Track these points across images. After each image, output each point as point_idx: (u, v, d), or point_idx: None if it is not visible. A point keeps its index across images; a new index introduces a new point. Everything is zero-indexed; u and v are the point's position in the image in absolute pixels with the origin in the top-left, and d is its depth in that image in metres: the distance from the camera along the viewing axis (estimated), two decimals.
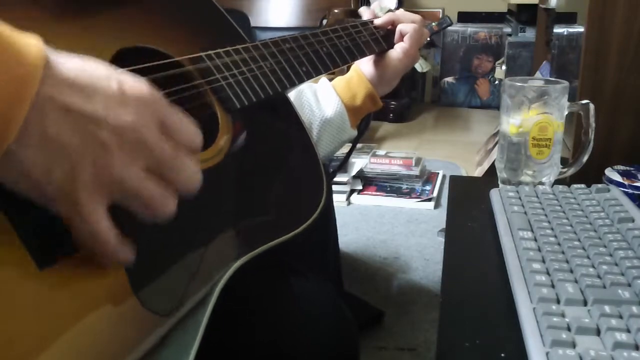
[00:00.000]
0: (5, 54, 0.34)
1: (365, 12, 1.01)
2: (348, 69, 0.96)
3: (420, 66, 1.07)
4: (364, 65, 0.95)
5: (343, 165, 1.03)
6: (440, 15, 3.53)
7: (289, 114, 0.73)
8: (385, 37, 0.95)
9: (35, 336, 0.38)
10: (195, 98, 0.59)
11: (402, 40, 0.94)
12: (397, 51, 0.94)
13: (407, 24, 0.95)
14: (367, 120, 0.99)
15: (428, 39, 1.00)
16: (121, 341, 0.43)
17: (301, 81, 0.73)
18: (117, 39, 0.55)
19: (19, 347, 0.37)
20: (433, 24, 1.04)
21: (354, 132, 0.95)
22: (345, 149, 1.03)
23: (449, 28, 3.41)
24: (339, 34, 0.85)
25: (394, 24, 0.96)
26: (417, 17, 0.97)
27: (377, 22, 0.96)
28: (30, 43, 0.36)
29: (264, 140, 0.68)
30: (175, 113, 0.44)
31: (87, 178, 0.39)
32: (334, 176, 1.44)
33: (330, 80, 0.95)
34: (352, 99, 0.93)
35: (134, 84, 0.41)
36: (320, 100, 0.93)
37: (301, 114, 0.88)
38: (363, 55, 0.89)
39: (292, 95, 0.90)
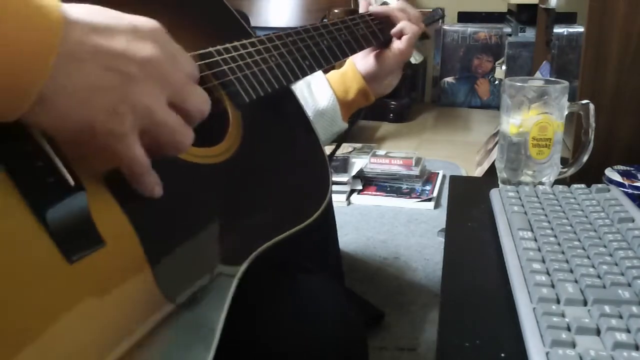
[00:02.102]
0: (27, 10, 0.36)
1: (362, 4, 1.01)
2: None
3: (414, 58, 1.07)
4: (359, 61, 0.96)
5: (330, 159, 1.05)
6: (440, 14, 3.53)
7: (296, 108, 0.74)
8: (382, 30, 0.95)
9: (62, 325, 0.39)
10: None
11: (400, 39, 0.95)
12: (393, 51, 0.95)
13: (409, 25, 0.95)
14: (358, 115, 1.01)
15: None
16: (142, 327, 0.44)
17: (304, 75, 0.75)
18: None
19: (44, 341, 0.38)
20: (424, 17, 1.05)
21: (345, 125, 0.97)
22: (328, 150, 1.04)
23: (450, 28, 3.42)
24: (338, 26, 0.86)
25: (390, 18, 0.96)
26: (416, 14, 0.97)
27: (371, 9, 0.96)
28: None
29: (273, 134, 0.69)
30: (178, 46, 0.47)
31: (126, 111, 0.41)
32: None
33: (325, 73, 0.96)
34: (345, 93, 0.95)
35: (144, 20, 0.44)
36: (314, 92, 0.94)
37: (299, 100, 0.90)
38: (362, 48, 0.90)
39: None
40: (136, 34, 0.42)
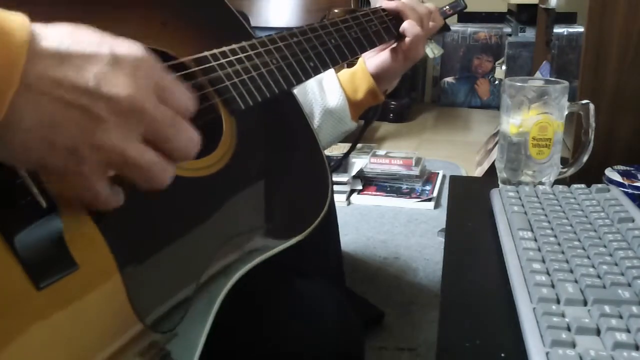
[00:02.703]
0: None
1: None
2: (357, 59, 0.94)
3: (432, 51, 1.03)
4: (369, 61, 0.94)
5: (341, 164, 1.03)
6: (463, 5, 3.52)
7: (296, 113, 0.71)
8: (396, 25, 0.92)
9: (32, 354, 0.38)
10: (200, 101, 0.58)
11: (404, 41, 0.92)
12: (398, 52, 0.93)
13: (413, 26, 0.91)
14: (374, 113, 0.99)
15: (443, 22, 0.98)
16: (118, 355, 0.43)
17: (308, 77, 0.71)
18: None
19: None
20: (446, 7, 1.01)
21: (354, 125, 0.96)
22: (343, 149, 1.03)
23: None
24: (348, 24, 0.82)
25: (400, 14, 0.93)
26: (424, 10, 0.93)
27: (384, 4, 0.93)
28: (15, 21, 0.35)
29: (269, 141, 0.66)
30: (169, 77, 0.43)
31: (86, 151, 0.38)
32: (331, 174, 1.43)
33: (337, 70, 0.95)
34: (354, 93, 0.94)
35: (127, 48, 0.40)
36: (325, 89, 0.93)
37: (304, 99, 0.87)
38: (373, 45, 0.86)
39: None
40: (113, 66, 0.38)
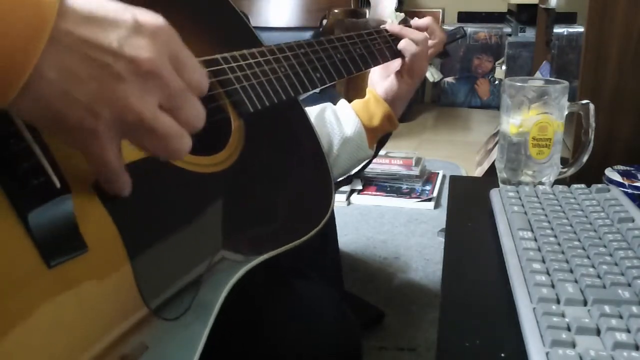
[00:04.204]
0: None
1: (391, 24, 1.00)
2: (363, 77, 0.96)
3: (432, 76, 1.06)
4: (378, 87, 0.96)
5: (350, 178, 1.04)
6: (440, 16, 3.53)
7: (301, 119, 0.73)
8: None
9: (37, 331, 0.38)
10: (209, 101, 0.58)
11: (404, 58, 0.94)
12: (403, 72, 0.95)
13: (410, 45, 0.93)
14: (385, 140, 1.00)
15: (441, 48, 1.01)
16: (122, 339, 0.43)
17: (314, 87, 0.73)
18: None
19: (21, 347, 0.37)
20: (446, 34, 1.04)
21: (371, 152, 0.97)
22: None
23: (449, 27, 3.41)
24: (353, 40, 0.85)
25: (401, 37, 0.95)
26: (421, 36, 0.95)
27: (387, 27, 0.95)
28: None
29: (275, 144, 0.68)
30: (187, 51, 0.44)
31: (104, 109, 0.39)
32: (339, 187, 1.45)
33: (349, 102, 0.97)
34: (370, 120, 0.95)
35: (150, 16, 0.41)
36: (340, 119, 0.94)
37: (323, 131, 0.90)
38: (377, 63, 0.89)
39: (314, 112, 0.92)
40: (135, 30, 0.40)
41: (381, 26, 0.97)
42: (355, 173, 1.04)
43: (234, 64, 0.62)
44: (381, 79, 0.96)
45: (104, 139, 0.40)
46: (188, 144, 0.44)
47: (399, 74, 0.95)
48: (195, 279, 0.50)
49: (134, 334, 0.44)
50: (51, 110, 0.38)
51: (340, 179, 1.00)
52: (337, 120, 0.94)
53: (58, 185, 0.42)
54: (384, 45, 0.91)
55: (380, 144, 1.00)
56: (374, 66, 0.89)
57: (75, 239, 0.42)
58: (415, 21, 1.01)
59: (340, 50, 0.81)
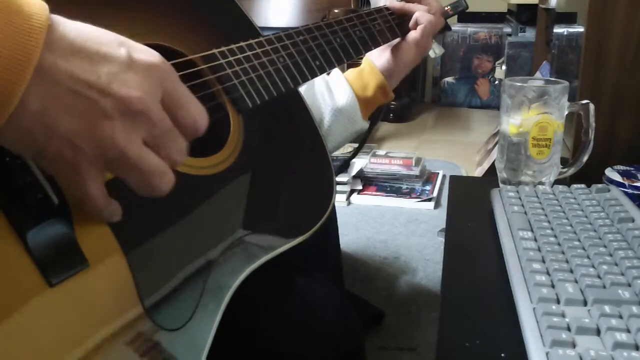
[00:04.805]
0: (9, 17, 0.34)
1: None
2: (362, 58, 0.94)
3: (433, 51, 1.03)
4: (376, 57, 0.94)
5: (348, 164, 1.03)
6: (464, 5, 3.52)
7: (303, 113, 0.71)
8: (399, 24, 0.93)
9: (43, 351, 0.38)
10: (208, 100, 0.58)
11: (415, 29, 0.92)
12: (409, 43, 0.92)
13: (424, 14, 0.92)
14: (379, 114, 0.98)
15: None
16: (128, 353, 0.43)
17: (314, 76, 0.72)
18: (128, 36, 0.55)
19: None
20: (447, 7, 1.02)
21: (365, 124, 0.94)
22: (346, 148, 1.02)
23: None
24: (353, 22, 0.83)
25: (407, 12, 0.94)
26: (434, 4, 0.94)
27: (391, 6, 0.93)
28: (34, 5, 0.36)
29: (276, 141, 0.67)
30: (184, 88, 0.43)
31: (86, 145, 0.38)
32: (338, 172, 1.43)
33: (343, 71, 0.95)
34: (364, 90, 0.92)
35: (144, 52, 0.40)
36: (332, 89, 0.92)
37: (313, 103, 0.87)
38: (377, 45, 0.87)
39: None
40: (127, 67, 0.39)
41: (381, 4, 0.95)
42: (353, 155, 1.02)
43: (231, 58, 0.61)
44: (379, 51, 0.94)
45: (85, 174, 0.39)
46: (171, 182, 0.43)
47: (402, 46, 0.93)
48: (198, 286, 0.49)
49: (138, 345, 0.44)
50: (33, 141, 0.37)
51: (338, 163, 0.98)
52: (328, 91, 0.91)
53: (56, 201, 0.41)
54: (384, 26, 0.89)
55: (375, 118, 0.97)
56: (375, 48, 0.87)
57: (75, 255, 0.42)
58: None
59: (339, 34, 0.79)
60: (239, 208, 0.57)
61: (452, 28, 3.44)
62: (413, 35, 0.92)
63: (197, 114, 0.44)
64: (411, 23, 0.93)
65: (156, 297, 0.46)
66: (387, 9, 0.92)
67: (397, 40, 0.93)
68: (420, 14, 0.92)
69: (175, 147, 0.43)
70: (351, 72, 0.94)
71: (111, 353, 0.42)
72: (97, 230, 0.44)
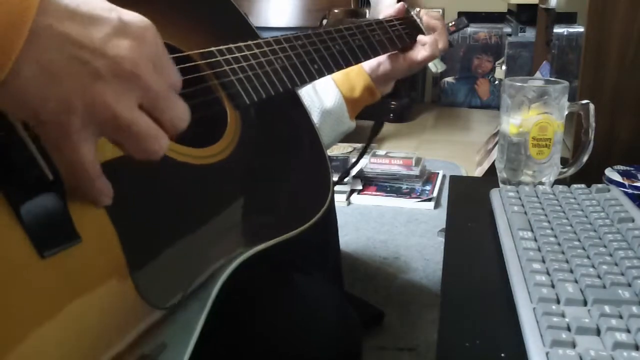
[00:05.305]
0: None
1: (396, 8, 0.98)
2: None
3: (435, 66, 1.05)
4: (365, 62, 0.94)
5: (349, 172, 1.04)
6: (441, 14, 3.52)
7: (299, 110, 0.72)
8: (400, 37, 0.94)
9: (31, 322, 0.38)
10: (204, 93, 0.59)
11: (417, 53, 0.94)
12: (406, 60, 0.94)
13: (432, 43, 0.93)
14: (383, 120, 0.99)
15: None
16: (117, 331, 0.43)
17: (312, 79, 0.73)
18: None
19: (16, 336, 0.38)
20: (450, 24, 1.03)
21: (352, 124, 0.96)
22: (343, 149, 1.03)
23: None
24: (352, 31, 0.84)
25: (427, 28, 0.94)
26: (438, 23, 0.95)
27: (394, 12, 0.95)
28: None
29: (273, 136, 0.68)
30: (165, 52, 0.44)
31: (79, 106, 0.38)
32: (342, 179, 1.43)
33: None
34: (351, 91, 0.94)
35: (135, 17, 0.41)
36: (318, 91, 0.93)
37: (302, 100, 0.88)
38: (376, 54, 0.88)
39: None
40: (119, 29, 0.40)
41: (381, 5, 0.96)
42: (357, 159, 1.03)
43: (229, 56, 0.62)
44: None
45: (77, 136, 0.39)
46: (165, 145, 0.43)
47: (396, 57, 0.94)
48: (190, 268, 0.50)
49: (129, 323, 0.44)
50: (27, 104, 0.37)
51: (337, 163, 0.99)
52: (315, 93, 0.92)
53: (51, 177, 0.42)
54: (383, 37, 0.90)
55: (376, 122, 1.00)
56: (374, 57, 0.88)
57: (68, 230, 0.42)
58: (427, 19, 0.99)
59: (338, 41, 0.80)
60: (233, 198, 0.58)
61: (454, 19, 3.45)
62: (412, 56, 0.94)
63: (177, 75, 0.45)
64: (420, 42, 0.94)
65: (147, 274, 0.46)
66: (398, 19, 0.94)
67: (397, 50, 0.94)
68: (430, 42, 0.93)
69: (175, 110, 0.44)
70: (338, 73, 0.95)
71: (98, 327, 0.42)
72: (90, 207, 0.44)
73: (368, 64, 0.95)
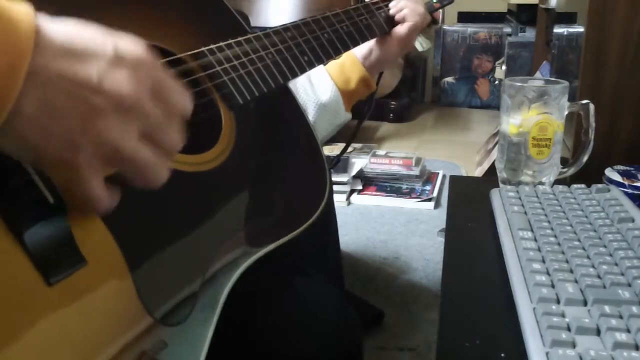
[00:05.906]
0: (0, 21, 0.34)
1: None
2: None
3: (421, 45, 1.04)
4: (357, 49, 0.94)
5: (338, 161, 1.04)
6: (440, 16, 3.52)
7: (293, 108, 0.72)
8: (387, 18, 0.93)
9: (41, 350, 0.38)
10: (198, 96, 0.58)
11: (401, 25, 0.93)
12: (393, 38, 0.93)
13: (412, 11, 0.93)
14: (369, 109, 0.99)
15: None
16: (130, 353, 0.43)
17: (303, 71, 0.72)
18: None
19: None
20: (433, 1, 1.03)
21: (349, 116, 0.95)
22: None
23: (449, 27, 3.42)
24: (340, 17, 0.83)
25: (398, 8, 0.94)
26: (420, 2, 0.95)
27: None
28: (20, 11, 0.36)
29: (268, 137, 0.67)
30: (169, 77, 0.43)
31: (83, 143, 0.38)
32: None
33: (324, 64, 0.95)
34: (346, 83, 0.93)
35: (130, 46, 0.41)
36: (314, 84, 0.92)
37: (297, 98, 0.88)
38: (365, 39, 0.87)
39: None
40: (115, 61, 0.39)
41: None
42: (342, 151, 1.02)
43: (220, 55, 0.61)
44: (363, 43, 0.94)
45: (85, 172, 0.40)
46: (165, 174, 0.44)
47: (385, 40, 0.93)
48: (197, 281, 0.50)
49: (139, 342, 0.44)
50: (30, 145, 0.37)
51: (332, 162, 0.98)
52: (310, 86, 0.92)
53: (52, 200, 0.41)
54: (371, 20, 0.89)
55: (362, 113, 0.98)
56: (362, 43, 0.87)
57: (73, 253, 0.41)
58: None
59: (327, 29, 0.79)
60: (233, 204, 0.58)
61: (452, 28, 3.45)
62: (398, 31, 0.93)
63: (185, 97, 0.44)
64: (397, 17, 0.94)
65: (155, 292, 0.46)
66: (374, 3, 0.93)
67: (385, 34, 0.93)
68: (409, 11, 0.93)
69: (171, 137, 0.44)
70: (332, 65, 0.95)
71: (111, 350, 0.42)
72: (92, 227, 0.44)
73: (360, 53, 0.94)
